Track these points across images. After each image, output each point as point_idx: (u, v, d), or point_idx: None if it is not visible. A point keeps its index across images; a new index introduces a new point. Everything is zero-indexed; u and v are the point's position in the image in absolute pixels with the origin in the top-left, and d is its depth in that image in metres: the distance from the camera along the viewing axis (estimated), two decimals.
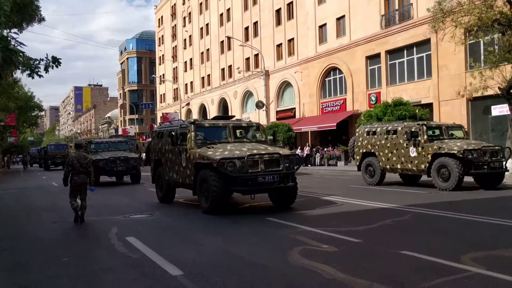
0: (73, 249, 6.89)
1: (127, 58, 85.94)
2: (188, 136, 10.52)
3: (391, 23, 27.65)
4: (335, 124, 29.05)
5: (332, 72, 32.86)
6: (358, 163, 16.05)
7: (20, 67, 8.34)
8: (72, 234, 8.27)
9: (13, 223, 9.86)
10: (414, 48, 26.08)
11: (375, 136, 15.29)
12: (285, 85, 38.64)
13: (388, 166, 14.74)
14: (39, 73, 8.62)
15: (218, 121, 11.25)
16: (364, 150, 15.68)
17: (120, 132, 73.60)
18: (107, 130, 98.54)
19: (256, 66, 42.21)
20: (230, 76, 47.50)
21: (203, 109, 53.66)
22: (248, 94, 44.12)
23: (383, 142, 14.90)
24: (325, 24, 33.09)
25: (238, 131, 11.07)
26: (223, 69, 49.08)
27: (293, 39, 36.97)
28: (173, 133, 10.77)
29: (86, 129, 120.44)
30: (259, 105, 37.58)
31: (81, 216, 9.11)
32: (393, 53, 27.51)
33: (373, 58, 28.97)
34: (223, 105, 49.10)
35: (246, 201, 11.11)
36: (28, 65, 8.32)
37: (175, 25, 62.52)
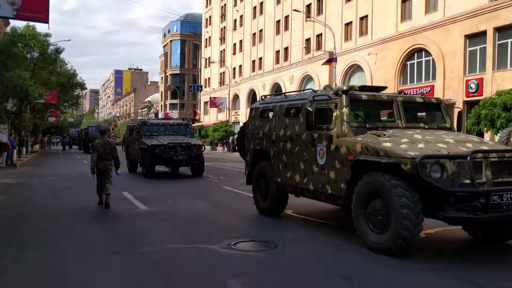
0: None
1: (171, 41, 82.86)
2: (334, 114, 6.41)
3: None
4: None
5: (416, 54, 27.99)
6: None
7: None
8: None
9: (53, 245, 6.05)
10: None
11: None
12: (353, 69, 34.01)
13: None
14: None
15: (380, 94, 7.05)
16: None
17: (160, 116, 70.67)
18: (147, 114, 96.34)
19: (318, 47, 37.70)
20: (286, 59, 43.18)
21: (252, 95, 49.59)
22: (307, 79, 39.65)
23: None
24: None
25: (410, 111, 6.90)
26: (277, 52, 44.79)
27: (366, 16, 32.18)
28: (308, 109, 6.57)
29: (125, 113, 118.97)
30: (327, 90, 33.00)
31: (106, 201, 8.69)
32: (505, 30, 22.42)
33: (475, 37, 23.96)
34: (276, 90, 44.80)
35: None
36: None
37: (225, 4, 58.50)
